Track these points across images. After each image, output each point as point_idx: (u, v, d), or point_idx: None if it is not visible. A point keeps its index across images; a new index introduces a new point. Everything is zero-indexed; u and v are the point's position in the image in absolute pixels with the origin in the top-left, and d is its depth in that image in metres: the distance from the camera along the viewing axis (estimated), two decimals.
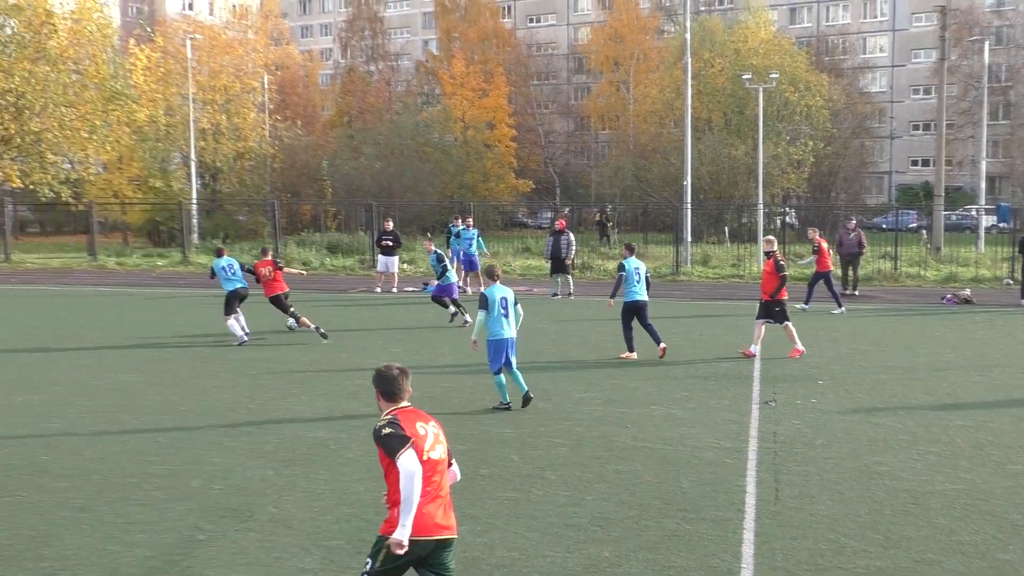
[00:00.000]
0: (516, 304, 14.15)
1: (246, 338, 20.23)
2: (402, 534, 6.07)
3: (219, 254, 21.68)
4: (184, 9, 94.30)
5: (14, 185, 45.26)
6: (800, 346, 18.73)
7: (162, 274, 37.25)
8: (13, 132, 43.16)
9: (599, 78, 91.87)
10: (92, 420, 13.23)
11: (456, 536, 6.47)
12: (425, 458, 6.24)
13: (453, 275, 23.38)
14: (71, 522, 9.23)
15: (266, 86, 67.32)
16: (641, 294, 18.35)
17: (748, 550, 8.65)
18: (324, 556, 8.45)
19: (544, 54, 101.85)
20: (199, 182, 57.15)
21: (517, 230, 65.05)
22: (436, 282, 23.24)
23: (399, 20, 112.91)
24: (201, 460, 11.31)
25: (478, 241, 30.67)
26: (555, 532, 9.03)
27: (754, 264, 38.09)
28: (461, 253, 30.32)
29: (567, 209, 56.70)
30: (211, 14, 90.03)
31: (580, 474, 10.82)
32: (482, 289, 14.44)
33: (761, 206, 43.44)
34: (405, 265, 33.70)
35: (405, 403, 6.54)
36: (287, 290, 21.30)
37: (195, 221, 48.91)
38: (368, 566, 6.35)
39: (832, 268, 26.64)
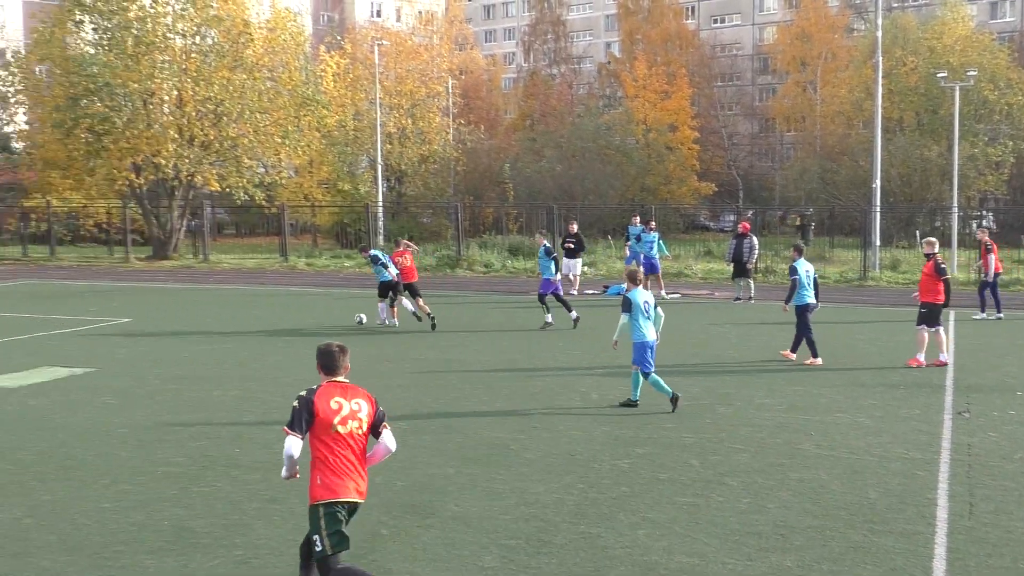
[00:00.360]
0: (656, 307, 14.21)
1: (388, 322, 22.93)
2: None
3: (365, 250, 24.95)
4: (372, 16, 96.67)
5: (212, 188, 47.20)
6: (922, 359, 17.85)
7: (348, 275, 38.25)
8: (212, 138, 44.98)
9: (785, 78, 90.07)
10: (282, 415, 13.62)
11: (363, 501, 7.18)
12: (333, 431, 7.00)
13: (556, 274, 23.28)
14: (262, 513, 9.57)
15: (450, 90, 68.43)
16: (811, 297, 18.22)
17: (939, 566, 8.34)
18: (503, 555, 8.52)
19: (728, 55, 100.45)
20: (385, 185, 58.49)
21: (698, 233, 64.36)
22: (556, 280, 23.13)
23: (582, 23, 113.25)
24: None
25: (659, 244, 30.45)
26: (735, 539, 8.89)
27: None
28: (642, 256, 30.18)
29: (750, 212, 55.82)
30: (398, 20, 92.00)
31: (762, 481, 10.63)
32: (625, 292, 14.48)
33: (956, 209, 41.82)
34: (586, 268, 33.70)
35: (340, 378, 7.30)
36: (417, 279, 23.83)
37: (380, 223, 50.03)
38: (319, 541, 6.97)
39: (1001, 270, 25.47)
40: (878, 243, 38.24)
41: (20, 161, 62.87)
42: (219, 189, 47.02)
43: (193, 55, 44.83)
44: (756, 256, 30.08)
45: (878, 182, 38.86)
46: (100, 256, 47.37)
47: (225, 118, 44.94)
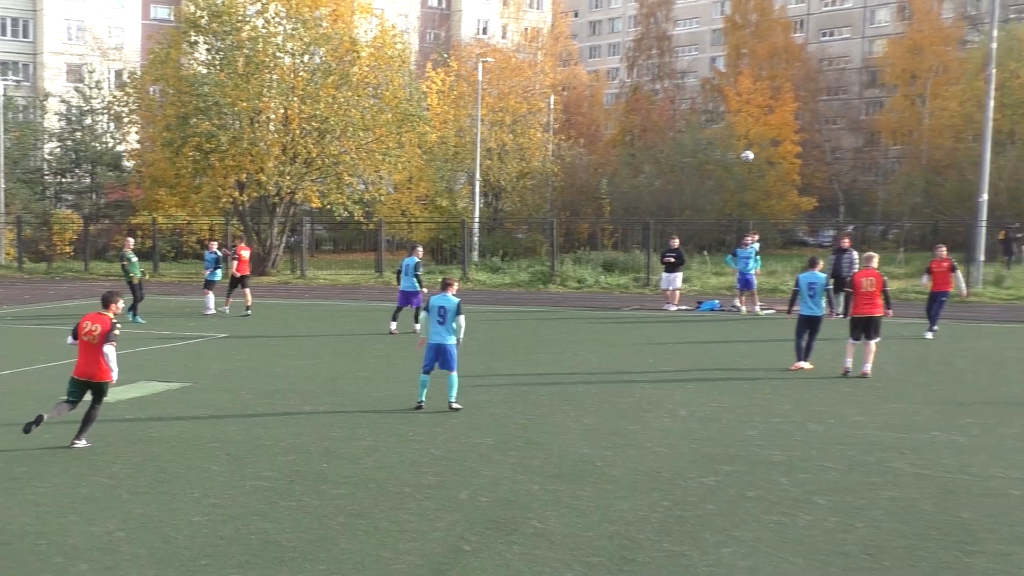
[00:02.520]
0: (458, 315, 14.88)
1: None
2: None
3: (210, 247, 30.77)
4: (478, 33, 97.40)
5: (313, 205, 47.87)
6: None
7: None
8: (315, 155, 45.61)
9: (893, 92, 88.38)
10: (371, 431, 13.81)
11: (93, 381, 12.62)
12: (81, 338, 12.54)
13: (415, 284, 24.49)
14: (347, 527, 9.64)
15: (551, 107, 68.59)
16: (810, 310, 18.88)
17: None
18: (585, 572, 8.48)
19: (835, 68, 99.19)
20: (482, 201, 58.74)
21: (797, 248, 63.55)
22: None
23: (687, 38, 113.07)
24: (470, 472, 11.60)
25: (755, 259, 30.08)
26: (822, 559, 8.73)
27: None
28: (737, 272, 29.93)
29: (850, 227, 54.95)
30: (503, 37, 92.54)
31: (852, 500, 10.43)
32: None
33: None
34: (684, 284, 33.42)
35: (103, 311, 12.71)
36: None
37: (475, 239, 50.25)
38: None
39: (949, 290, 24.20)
40: (982, 259, 37.25)
41: (129, 179, 64.62)
42: (319, 206, 47.69)
43: (301, 74, 45.53)
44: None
45: (985, 196, 37.81)
46: (201, 272, 48.17)
47: (329, 135, 45.50)
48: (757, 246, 30.94)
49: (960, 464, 11.86)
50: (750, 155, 28.24)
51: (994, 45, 39.22)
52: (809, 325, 19.05)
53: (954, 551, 8.91)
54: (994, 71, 39.24)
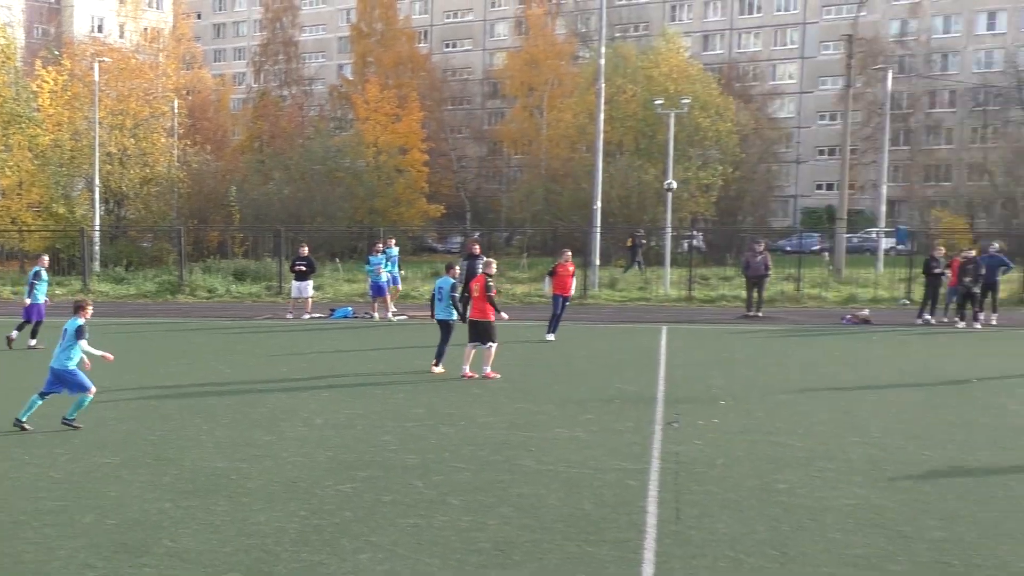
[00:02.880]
0: (78, 340, 14.15)
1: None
2: None
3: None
4: (93, 31, 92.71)
5: None
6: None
7: (60, 303, 36.32)
8: None
9: (513, 103, 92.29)
10: None
11: None
12: None
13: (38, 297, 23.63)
14: None
15: (176, 110, 66.49)
16: (439, 313, 19.77)
17: (648, 570, 8.70)
18: None
19: (459, 79, 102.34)
20: (103, 208, 56.04)
21: (427, 255, 65.09)
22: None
23: (314, 45, 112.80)
24: (95, 494, 11.02)
25: (387, 265, 30.53)
26: (457, 558, 8.98)
27: (660, 287, 38.67)
28: (369, 280, 30.29)
29: (477, 233, 56.93)
30: (121, 37, 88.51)
31: (483, 499, 10.79)
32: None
33: (669, 230, 43.89)
34: (316, 292, 33.41)
35: None
36: None
37: (97, 248, 47.91)
38: None
39: (570, 294, 25.95)
40: (597, 263, 39.68)
41: None
42: None
43: None
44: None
45: (599, 204, 40.25)
46: None
47: None
48: (396, 251, 31.54)
49: (582, 459, 12.54)
50: (673, 184, 29.07)
51: (602, 61, 41.93)
52: (441, 328, 19.62)
53: (578, 541, 9.41)
54: (603, 86, 41.90)
